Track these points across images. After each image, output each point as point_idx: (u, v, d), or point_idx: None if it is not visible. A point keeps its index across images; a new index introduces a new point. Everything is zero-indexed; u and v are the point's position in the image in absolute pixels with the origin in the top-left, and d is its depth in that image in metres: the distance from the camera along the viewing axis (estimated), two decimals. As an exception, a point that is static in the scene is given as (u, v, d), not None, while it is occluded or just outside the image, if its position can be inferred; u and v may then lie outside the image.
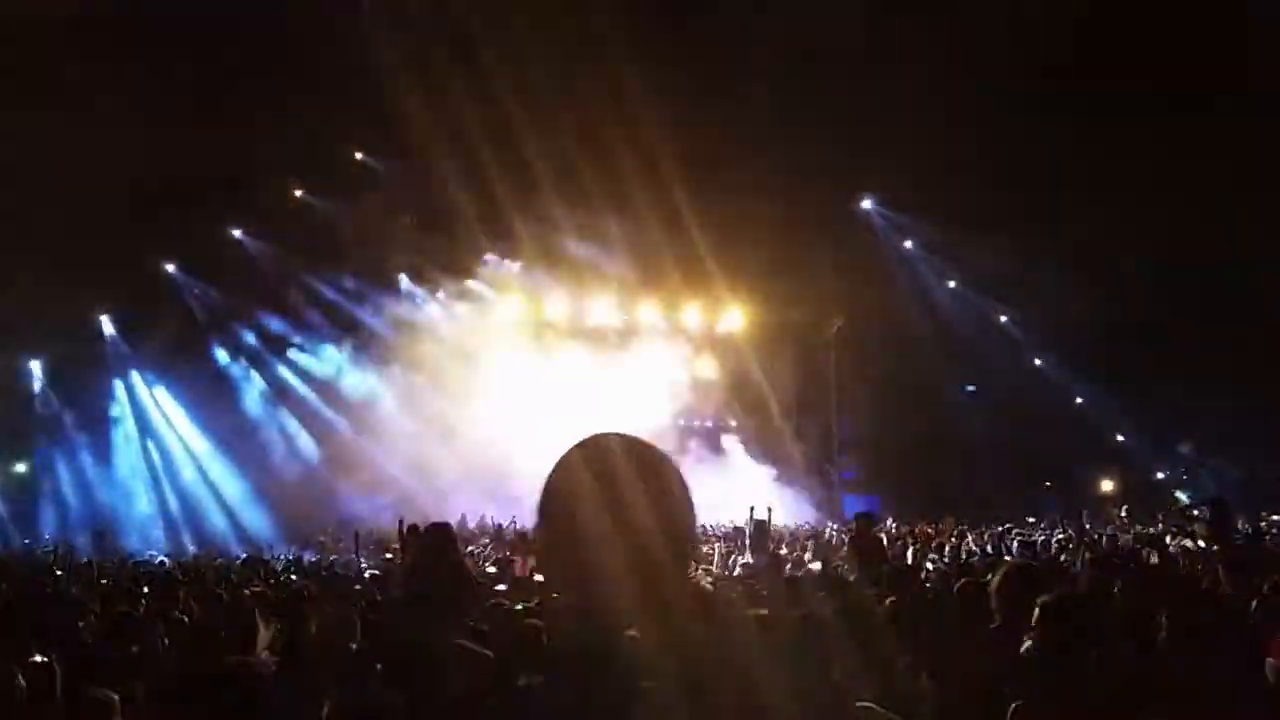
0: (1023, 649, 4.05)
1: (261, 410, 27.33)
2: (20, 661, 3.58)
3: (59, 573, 12.09)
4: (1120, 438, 31.37)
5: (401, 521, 10.35)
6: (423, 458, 25.81)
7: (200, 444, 26.25)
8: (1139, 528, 13.22)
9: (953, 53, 22.46)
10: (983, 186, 25.51)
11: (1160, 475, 30.75)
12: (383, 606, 6.90)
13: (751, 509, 15.52)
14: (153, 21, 21.77)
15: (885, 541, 13.27)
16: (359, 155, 27.91)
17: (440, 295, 28.13)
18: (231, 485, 25.52)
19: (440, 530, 7.10)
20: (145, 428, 26.31)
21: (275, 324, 27.09)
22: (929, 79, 23.22)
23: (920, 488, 28.04)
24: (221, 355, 27.17)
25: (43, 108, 19.94)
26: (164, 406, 26.47)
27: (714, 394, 30.84)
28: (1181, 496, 27.42)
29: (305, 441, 26.69)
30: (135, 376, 26.45)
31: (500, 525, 21.32)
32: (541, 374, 28.14)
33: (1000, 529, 18.28)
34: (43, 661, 3.59)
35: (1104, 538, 12.42)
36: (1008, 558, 11.17)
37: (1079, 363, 29.97)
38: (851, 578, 9.72)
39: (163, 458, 26.14)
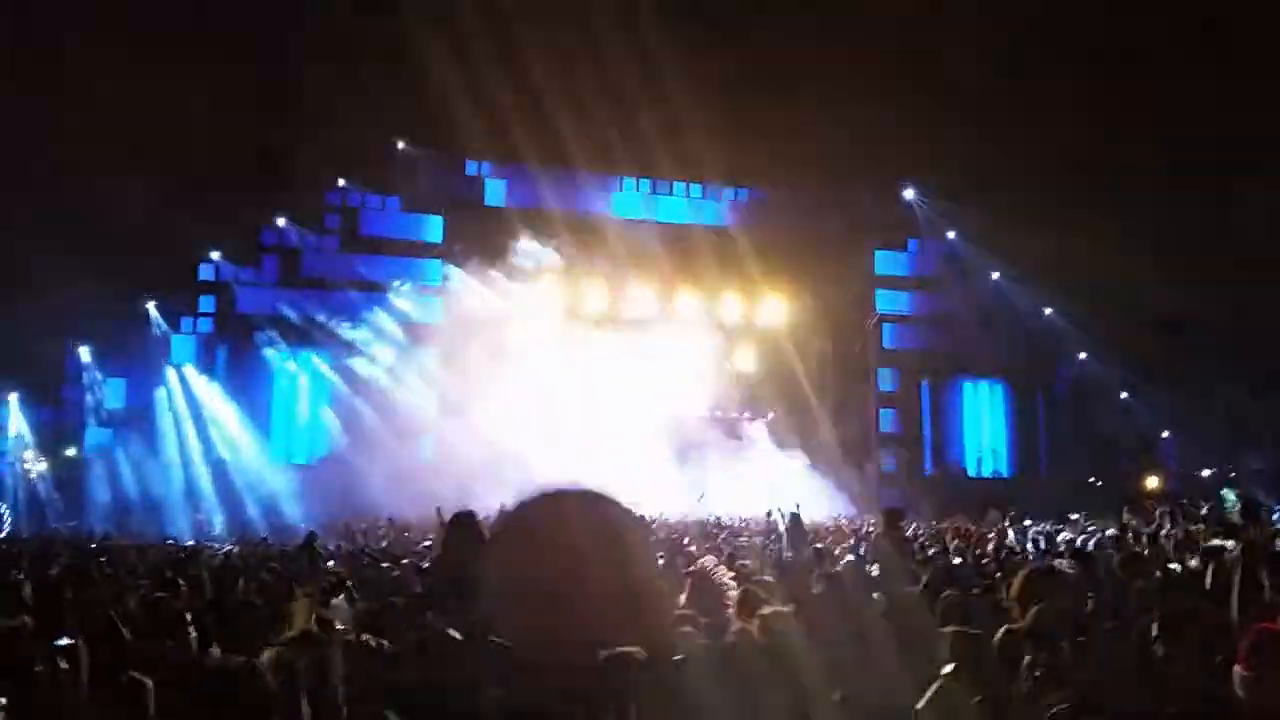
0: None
1: (305, 400, 27.64)
2: (50, 644, 3.63)
3: (102, 558, 12.32)
4: (1165, 434, 30.81)
5: (439, 510, 10.39)
6: (454, 447, 26.01)
7: (242, 432, 26.61)
8: (1177, 528, 12.95)
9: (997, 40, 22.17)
10: (1031, 176, 25.18)
11: (1206, 473, 30.11)
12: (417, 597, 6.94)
13: (784, 507, 15.46)
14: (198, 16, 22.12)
15: (913, 537, 13.16)
16: (400, 145, 28.14)
17: (477, 283, 28.18)
18: (272, 473, 25.83)
19: (466, 519, 7.11)
20: (190, 415, 26.70)
21: (317, 313, 27.32)
22: (975, 68, 22.96)
23: (960, 482, 27.76)
24: (264, 344, 27.49)
25: (89, 100, 20.27)
26: (207, 397, 26.88)
27: (751, 385, 30.71)
28: (1228, 494, 26.81)
29: (344, 430, 26.95)
30: (178, 366, 26.83)
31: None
32: (576, 363, 28.20)
33: (1044, 525, 18.02)
34: (70, 644, 3.64)
35: (1145, 536, 12.12)
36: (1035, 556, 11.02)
37: (1127, 357, 29.41)
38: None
39: (205, 444, 26.51)
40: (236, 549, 14.22)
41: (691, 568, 7.55)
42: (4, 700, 3.25)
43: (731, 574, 7.10)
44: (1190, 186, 23.56)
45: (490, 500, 19.90)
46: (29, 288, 22.98)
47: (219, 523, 23.98)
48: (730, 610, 5.42)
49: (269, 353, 27.50)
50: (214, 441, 26.56)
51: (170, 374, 26.84)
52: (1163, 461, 30.54)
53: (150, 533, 20.06)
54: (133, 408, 26.30)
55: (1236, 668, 3.21)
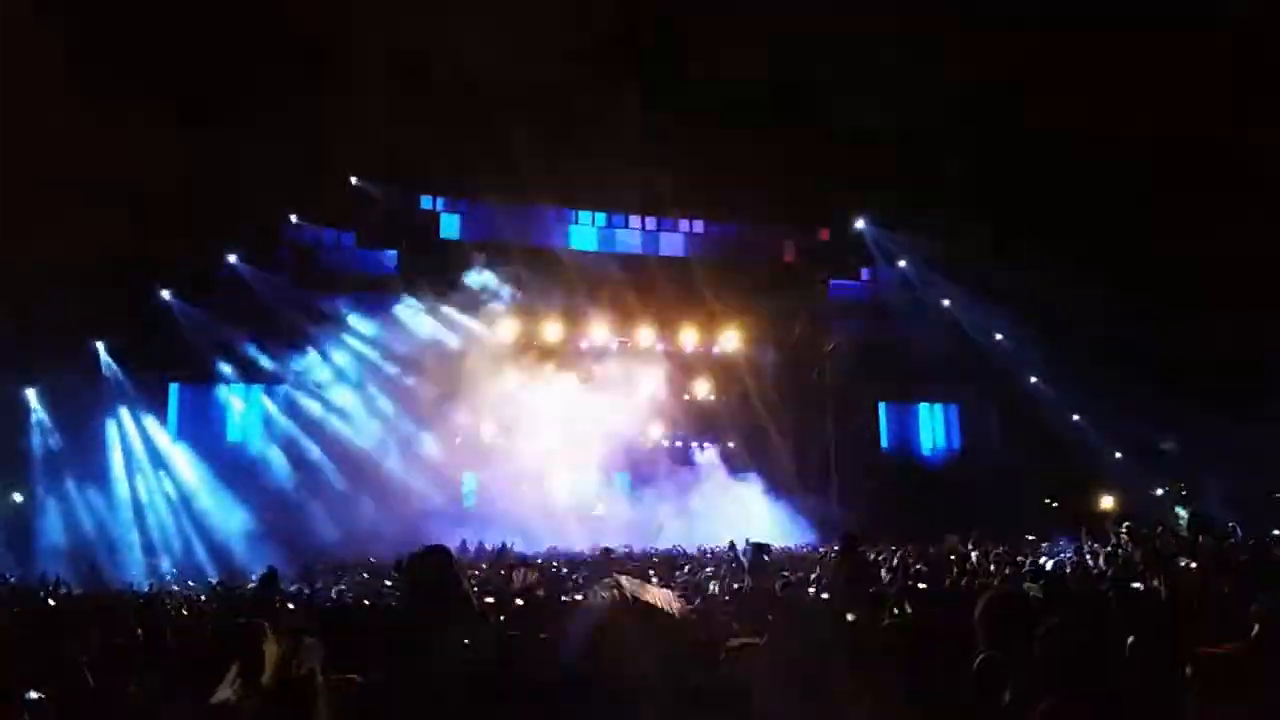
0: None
1: (258, 438, 27.29)
2: (17, 698, 3.54)
3: (51, 603, 12.02)
4: (1119, 455, 31.35)
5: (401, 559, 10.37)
6: (407, 485, 25.90)
7: (194, 475, 26.16)
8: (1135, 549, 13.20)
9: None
10: (975, 203, 25.70)
11: (1160, 491, 30.65)
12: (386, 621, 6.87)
13: (748, 536, 15.48)
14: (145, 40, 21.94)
15: (874, 562, 13.24)
16: (354, 181, 28.03)
17: (434, 318, 28.05)
18: (226, 516, 25.37)
19: (438, 552, 7.06)
20: (140, 458, 26.21)
21: (270, 350, 27.00)
22: (921, 101, 23.46)
23: (919, 507, 27.96)
24: (218, 384, 27.12)
25: (40, 127, 19.97)
26: (157, 438, 26.41)
27: (708, 414, 30.86)
28: (1181, 512, 27.32)
29: (295, 470, 26.59)
30: (127, 408, 26.35)
31: (501, 547, 21.17)
32: (532, 395, 28.22)
33: (1003, 549, 18.22)
34: (39, 699, 3.55)
35: (1102, 556, 12.32)
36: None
37: (1075, 379, 29.95)
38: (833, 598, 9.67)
39: (157, 488, 26.02)
40: (199, 594, 13.88)
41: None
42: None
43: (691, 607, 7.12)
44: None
45: (445, 538, 19.90)
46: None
47: (168, 566, 23.53)
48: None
49: (221, 390, 27.14)
50: (165, 482, 26.07)
51: (122, 413, 26.32)
52: (1116, 482, 31.03)
53: (104, 579, 19.60)
54: (82, 450, 25.66)
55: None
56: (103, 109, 19.70)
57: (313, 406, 27.18)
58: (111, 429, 26.21)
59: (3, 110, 19.63)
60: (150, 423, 26.37)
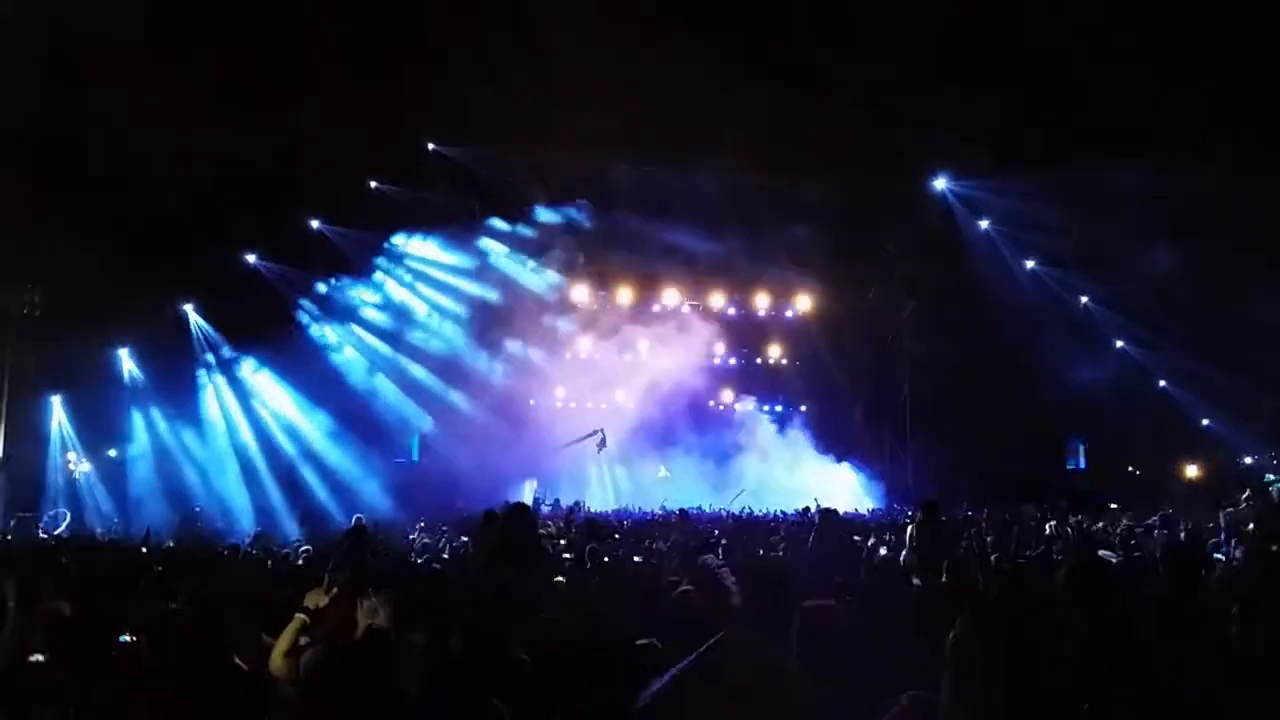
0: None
1: (356, 383, 27.69)
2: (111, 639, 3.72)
3: (144, 551, 12.54)
4: (1206, 421, 30.35)
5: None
6: (495, 438, 26.36)
7: (305, 423, 26.58)
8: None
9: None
10: (1060, 161, 24.83)
11: (1249, 460, 29.62)
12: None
13: (819, 502, 15.42)
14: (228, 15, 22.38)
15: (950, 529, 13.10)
16: (431, 146, 28.28)
17: (511, 276, 28.30)
18: (341, 465, 25.87)
19: (519, 511, 7.27)
20: (236, 410, 26.88)
21: (364, 293, 27.64)
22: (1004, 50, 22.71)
23: (996, 474, 27.52)
24: (312, 328, 27.64)
25: (122, 102, 20.54)
26: (259, 386, 27.00)
27: (782, 378, 30.68)
28: (1273, 479, 26.41)
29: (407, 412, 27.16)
30: (217, 364, 27.01)
31: (574, 506, 21.45)
32: (609, 358, 28.50)
33: (1082, 519, 17.87)
34: (131, 640, 3.73)
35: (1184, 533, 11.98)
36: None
37: (1162, 343, 29.03)
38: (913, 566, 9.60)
39: (257, 440, 26.63)
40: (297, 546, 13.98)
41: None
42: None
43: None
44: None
45: (516, 491, 20.02)
46: (68, 291, 23.45)
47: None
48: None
49: (316, 339, 27.51)
50: (273, 434, 26.59)
51: (208, 373, 26.99)
52: (1203, 449, 30.11)
53: (196, 532, 20.05)
54: (176, 406, 26.49)
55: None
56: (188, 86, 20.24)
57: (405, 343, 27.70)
58: (204, 385, 26.86)
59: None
60: (247, 370, 26.88)
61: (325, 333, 27.56)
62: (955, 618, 4.72)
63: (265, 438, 26.44)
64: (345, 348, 27.59)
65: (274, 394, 26.77)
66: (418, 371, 27.30)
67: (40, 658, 3.35)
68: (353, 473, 25.37)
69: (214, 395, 26.80)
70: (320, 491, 24.99)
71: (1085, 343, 30.81)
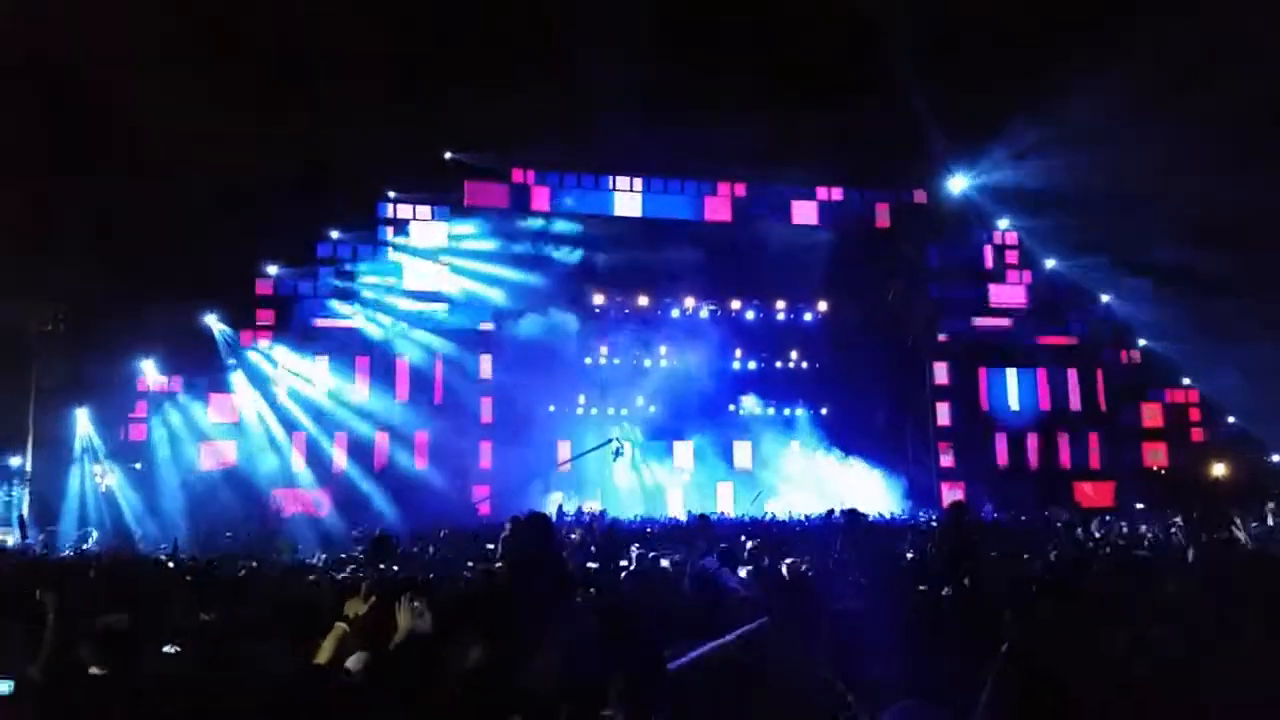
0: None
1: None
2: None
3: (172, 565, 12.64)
4: (1231, 419, 30.12)
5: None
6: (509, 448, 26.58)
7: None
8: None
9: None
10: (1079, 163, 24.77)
11: (1276, 458, 29.37)
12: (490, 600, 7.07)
13: (844, 504, 15.36)
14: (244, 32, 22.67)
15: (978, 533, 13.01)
16: (448, 155, 28.45)
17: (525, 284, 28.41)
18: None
19: (538, 522, 7.25)
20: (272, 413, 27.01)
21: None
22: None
23: (1022, 476, 27.41)
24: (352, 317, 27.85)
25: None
26: (288, 361, 27.17)
27: (802, 382, 30.60)
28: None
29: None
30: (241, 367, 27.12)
31: (595, 516, 21.45)
32: (626, 364, 28.64)
33: (1105, 517, 17.78)
34: (175, 651, 3.80)
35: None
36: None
37: (1186, 343, 28.86)
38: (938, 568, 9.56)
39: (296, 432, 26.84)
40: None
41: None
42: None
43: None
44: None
45: (538, 502, 20.15)
46: (93, 305, 23.75)
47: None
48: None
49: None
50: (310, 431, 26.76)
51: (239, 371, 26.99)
52: (1229, 448, 29.87)
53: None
54: (200, 416, 26.62)
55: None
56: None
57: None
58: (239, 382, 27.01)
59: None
60: (282, 354, 27.16)
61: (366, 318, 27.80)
62: (985, 623, 4.74)
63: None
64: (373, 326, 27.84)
65: (311, 370, 27.14)
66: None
67: (99, 671, 3.40)
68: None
69: (243, 399, 26.89)
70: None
71: (1108, 338, 30.68)
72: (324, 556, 12.81)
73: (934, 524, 17.45)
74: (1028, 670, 3.57)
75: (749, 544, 11.73)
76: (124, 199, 22.79)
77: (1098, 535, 12.62)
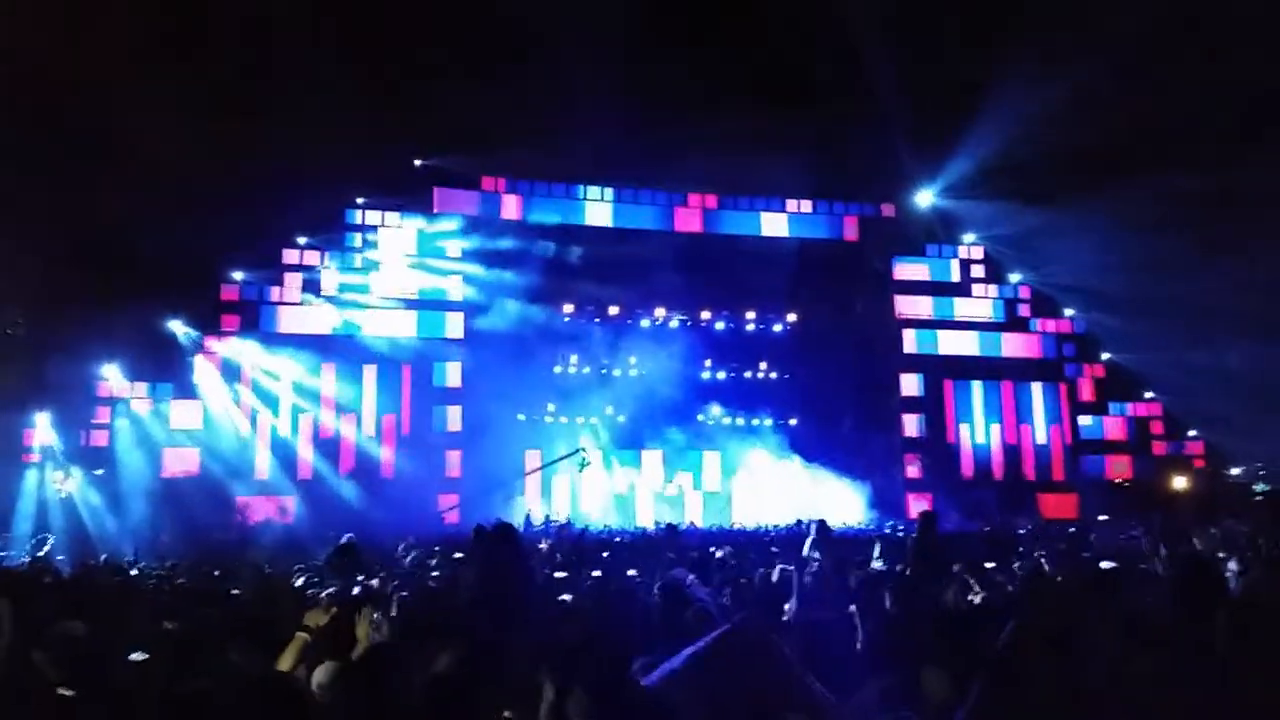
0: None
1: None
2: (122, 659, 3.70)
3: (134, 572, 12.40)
4: (1193, 432, 30.60)
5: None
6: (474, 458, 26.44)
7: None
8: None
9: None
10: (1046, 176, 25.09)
11: (1236, 471, 29.87)
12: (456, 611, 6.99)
13: (814, 515, 15.36)
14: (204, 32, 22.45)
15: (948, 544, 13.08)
16: (417, 163, 28.33)
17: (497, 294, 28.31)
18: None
19: (505, 530, 7.17)
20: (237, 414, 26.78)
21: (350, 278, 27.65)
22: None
23: (986, 488, 27.64)
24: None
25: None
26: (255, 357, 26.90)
27: (771, 392, 30.74)
28: (1257, 489, 26.64)
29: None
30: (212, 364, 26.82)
31: (563, 525, 21.35)
32: (596, 376, 28.64)
33: (1070, 530, 17.94)
34: (142, 659, 3.72)
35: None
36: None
37: (1150, 354, 29.34)
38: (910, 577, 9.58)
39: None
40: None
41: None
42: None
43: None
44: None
45: (504, 511, 19.95)
46: (56, 310, 23.31)
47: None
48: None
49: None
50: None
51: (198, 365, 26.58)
52: (1189, 460, 30.34)
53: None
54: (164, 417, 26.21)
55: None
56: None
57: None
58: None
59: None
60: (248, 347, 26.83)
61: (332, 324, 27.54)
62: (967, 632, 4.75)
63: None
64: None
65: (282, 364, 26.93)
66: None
67: (69, 693, 3.31)
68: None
69: (208, 404, 26.51)
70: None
71: (1070, 352, 31.01)
72: (298, 567, 12.58)
73: (900, 533, 17.54)
74: (1011, 682, 3.56)
75: (718, 553, 11.71)
76: (87, 200, 22.41)
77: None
